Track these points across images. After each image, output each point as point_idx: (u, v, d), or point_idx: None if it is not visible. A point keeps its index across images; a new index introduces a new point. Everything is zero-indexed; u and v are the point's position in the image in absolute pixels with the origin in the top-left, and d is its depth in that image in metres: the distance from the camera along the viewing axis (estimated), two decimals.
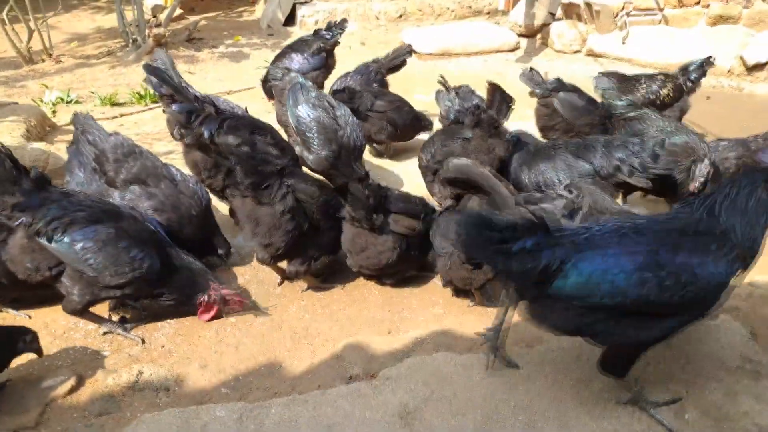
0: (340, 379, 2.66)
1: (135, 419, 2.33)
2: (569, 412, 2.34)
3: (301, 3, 9.00)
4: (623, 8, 7.79)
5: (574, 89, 4.81)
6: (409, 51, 5.76)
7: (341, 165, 3.75)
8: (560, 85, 4.79)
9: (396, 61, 5.65)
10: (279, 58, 5.87)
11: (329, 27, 5.81)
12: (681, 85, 4.90)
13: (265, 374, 2.80)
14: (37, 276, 2.87)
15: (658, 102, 4.83)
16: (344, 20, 5.97)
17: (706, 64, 4.93)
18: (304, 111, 3.83)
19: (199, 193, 3.45)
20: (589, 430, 2.25)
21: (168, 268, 3.00)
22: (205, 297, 3.07)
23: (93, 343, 3.01)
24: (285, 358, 2.92)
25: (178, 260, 3.07)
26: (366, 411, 2.36)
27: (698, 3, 7.73)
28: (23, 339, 2.64)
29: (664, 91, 4.86)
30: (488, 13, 9.31)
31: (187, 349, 2.98)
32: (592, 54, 7.93)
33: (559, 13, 8.45)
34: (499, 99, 3.90)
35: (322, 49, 5.70)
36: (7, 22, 7.08)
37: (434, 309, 3.34)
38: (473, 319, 3.20)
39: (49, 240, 2.78)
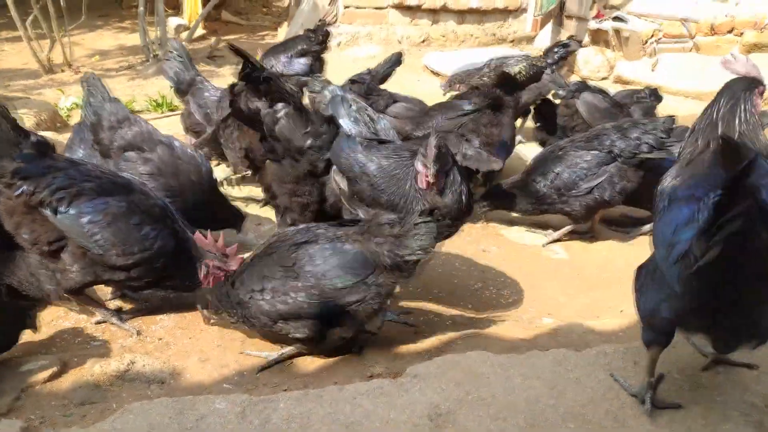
0: (359, 377, 2.33)
1: (121, 409, 2.00)
2: (629, 421, 1.99)
3: (324, 26, 8.95)
4: (653, 35, 7.62)
5: (600, 91, 4.68)
6: (399, 59, 5.27)
7: None
8: (584, 87, 4.73)
9: (387, 71, 5.12)
10: (268, 54, 5.58)
11: (316, 29, 5.50)
12: (539, 66, 5.08)
13: (274, 370, 2.47)
14: (34, 249, 2.58)
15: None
16: (332, 20, 5.77)
17: (567, 46, 5.29)
18: (346, 125, 3.72)
19: (198, 159, 3.25)
20: None
21: (177, 249, 2.71)
22: (203, 268, 2.70)
23: (83, 333, 2.71)
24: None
25: (185, 239, 2.77)
26: (390, 411, 2.02)
27: (731, 31, 7.53)
28: (29, 314, 2.48)
29: (516, 69, 5.02)
30: (512, 41, 9.20)
31: (186, 343, 2.66)
32: (620, 81, 7.69)
33: (585, 39, 8.30)
34: (506, 82, 4.25)
35: (306, 51, 5.30)
36: (31, 35, 7.06)
37: (465, 312, 3.02)
38: (509, 325, 2.86)
39: (54, 211, 2.50)
